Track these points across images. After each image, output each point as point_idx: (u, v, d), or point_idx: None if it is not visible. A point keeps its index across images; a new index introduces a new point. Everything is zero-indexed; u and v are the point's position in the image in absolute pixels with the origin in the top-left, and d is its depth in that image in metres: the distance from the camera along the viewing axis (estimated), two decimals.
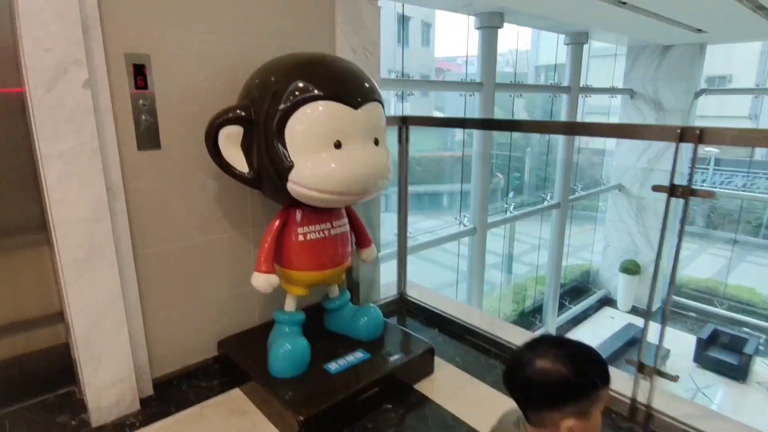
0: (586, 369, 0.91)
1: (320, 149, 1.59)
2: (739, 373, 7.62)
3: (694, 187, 1.52)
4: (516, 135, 9.94)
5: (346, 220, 1.95)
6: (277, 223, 1.82)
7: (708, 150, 14.53)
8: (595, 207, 11.74)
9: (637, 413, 1.77)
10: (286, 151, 1.59)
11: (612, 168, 10.42)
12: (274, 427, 1.74)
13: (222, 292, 2.11)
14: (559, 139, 8.53)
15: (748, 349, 7.83)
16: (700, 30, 6.74)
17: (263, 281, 1.77)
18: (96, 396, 1.75)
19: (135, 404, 1.85)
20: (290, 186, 1.62)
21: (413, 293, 2.78)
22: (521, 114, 9.70)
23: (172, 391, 1.95)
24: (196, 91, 1.84)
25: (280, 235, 1.83)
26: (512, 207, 8.08)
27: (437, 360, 2.13)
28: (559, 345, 0.94)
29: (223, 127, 1.65)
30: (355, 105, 1.61)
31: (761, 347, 8.45)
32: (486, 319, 2.46)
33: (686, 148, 1.52)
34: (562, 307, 9.74)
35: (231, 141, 1.68)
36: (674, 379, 1.69)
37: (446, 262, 8.06)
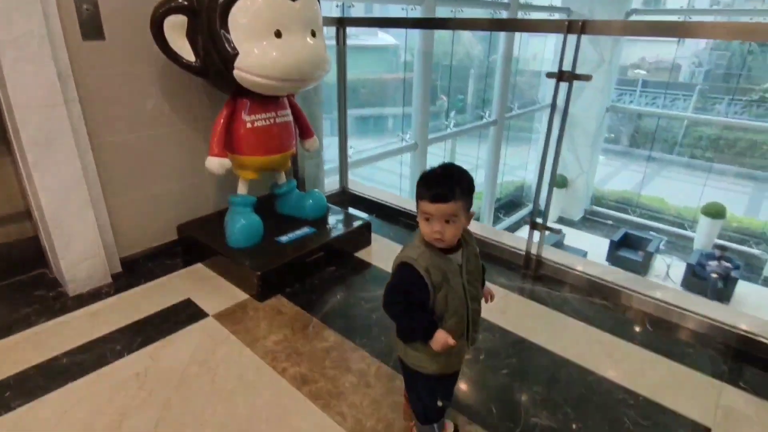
0: (420, 180, 1.09)
1: (262, 37, 1.76)
2: (641, 268, 8.84)
3: (576, 73, 1.86)
4: (460, 56, 10.06)
5: (289, 111, 2.17)
6: (225, 111, 2.01)
7: (637, 72, 15.40)
8: (530, 128, 12.39)
9: (530, 262, 2.24)
10: (230, 39, 1.75)
11: (548, 86, 10.92)
12: (236, 288, 2.05)
13: (177, 182, 2.31)
14: (497, 62, 8.80)
15: (651, 248, 9.04)
16: None
17: (216, 164, 1.99)
18: (71, 269, 1.97)
19: (107, 277, 2.09)
20: (236, 73, 1.80)
21: (354, 187, 3.09)
22: (465, 38, 9.76)
23: (139, 268, 2.20)
24: None
25: (230, 124, 2.02)
26: (452, 124, 8.45)
27: (375, 236, 2.50)
28: (439, 167, 1.11)
29: (167, 16, 1.76)
30: None
31: (662, 247, 9.76)
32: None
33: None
34: (497, 220, 10.58)
35: (176, 30, 1.81)
36: (557, 232, 2.14)
37: (391, 183, 8.40)
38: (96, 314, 1.89)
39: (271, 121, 2.08)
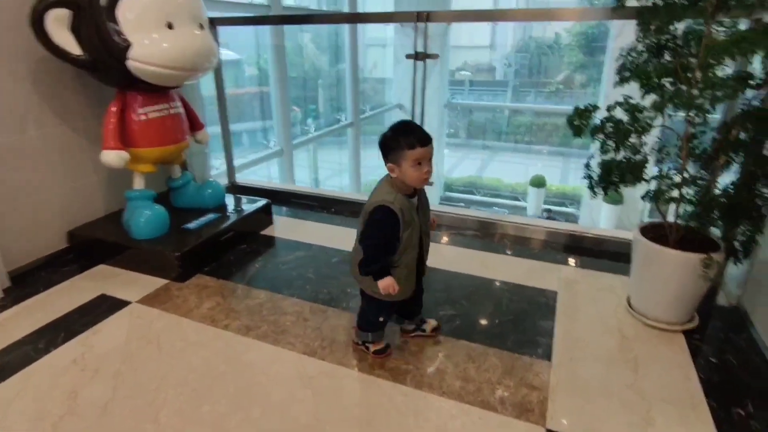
0: (397, 135, 1.29)
1: (154, 29, 1.88)
2: None
3: (428, 53, 2.34)
4: (307, 68, 10.45)
5: (180, 103, 2.27)
6: (115, 105, 2.04)
7: (463, 73, 17.62)
8: (383, 131, 13.38)
9: None
10: (121, 31, 1.83)
11: (392, 91, 11.96)
12: (152, 276, 2.09)
13: (62, 186, 2.22)
14: (347, 71, 9.44)
15: None
16: None
17: (114, 157, 2.01)
18: None
19: None
20: (131, 64, 1.88)
21: (242, 181, 3.23)
22: (309, 45, 10.19)
23: (32, 279, 2.08)
24: None
25: (122, 118, 2.06)
26: (313, 129, 8.81)
27: (274, 217, 2.70)
28: (400, 122, 1.34)
29: (48, 10, 1.77)
30: None
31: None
32: (305, 187, 3.12)
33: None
34: None
35: (59, 24, 1.82)
36: None
37: None
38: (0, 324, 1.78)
39: (165, 112, 2.17)
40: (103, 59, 1.90)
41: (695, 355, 1.59)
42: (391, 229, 1.33)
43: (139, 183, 2.24)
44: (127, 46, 1.85)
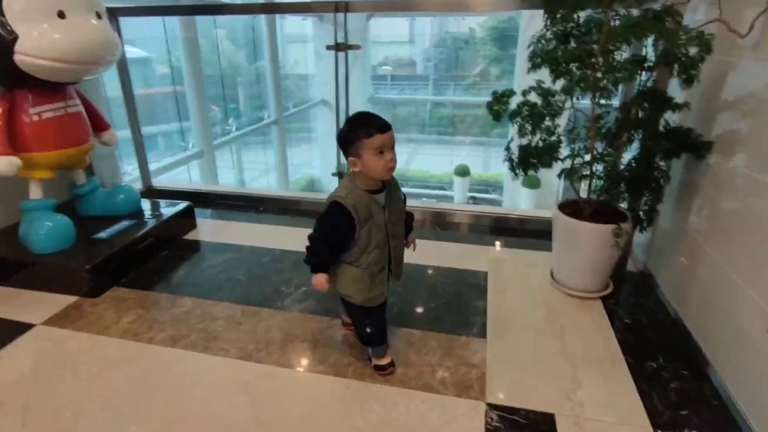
0: (353, 127, 1.21)
1: (44, 19, 1.68)
2: None
3: (349, 44, 2.32)
4: (225, 65, 10.00)
5: (79, 101, 2.06)
6: (1, 105, 1.81)
7: (385, 68, 17.80)
8: (308, 128, 13.18)
9: None
10: (5, 22, 1.62)
11: (316, 87, 11.80)
12: (58, 294, 1.88)
13: None
14: (267, 68, 9.16)
15: None
16: None
17: (5, 163, 1.78)
18: None
19: None
20: (18, 58, 1.67)
21: (160, 184, 3.02)
22: (225, 41, 9.74)
23: None
24: None
25: (11, 120, 1.83)
26: (235, 128, 8.45)
27: (198, 220, 2.55)
28: (355, 114, 1.25)
29: None
30: None
31: None
32: (230, 187, 2.96)
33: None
34: None
35: None
36: None
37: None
38: None
39: (62, 111, 1.95)
40: None
41: (612, 319, 1.73)
42: (339, 226, 1.24)
43: (36, 192, 2.00)
44: (13, 38, 1.64)
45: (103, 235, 2.09)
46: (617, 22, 1.57)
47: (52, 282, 1.90)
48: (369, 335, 1.43)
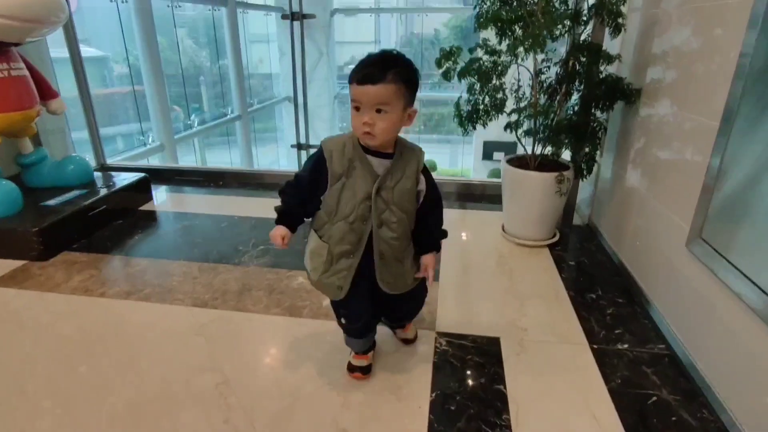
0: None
1: None
2: None
3: (304, 13, 2.35)
4: (185, 65, 9.83)
5: (23, 65, 2.01)
6: None
7: (349, 67, 17.87)
8: (273, 127, 13.07)
9: None
10: None
11: (280, 85, 11.73)
12: (6, 259, 1.83)
13: None
14: (230, 66, 9.07)
15: None
16: None
17: None
18: None
19: None
20: None
21: (114, 162, 2.96)
22: (184, 40, 9.56)
23: None
24: None
25: None
26: (196, 123, 8.31)
27: (154, 193, 2.52)
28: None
29: None
30: None
31: None
32: (189, 165, 2.93)
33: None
34: None
35: None
36: None
37: None
38: None
39: (5, 74, 1.90)
40: None
41: (558, 262, 1.82)
42: (312, 170, 1.01)
43: None
44: None
45: (51, 202, 2.05)
46: None
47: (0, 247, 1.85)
48: (345, 327, 1.18)
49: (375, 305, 1.15)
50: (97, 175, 2.41)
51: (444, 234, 1.15)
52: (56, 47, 2.61)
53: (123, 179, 2.37)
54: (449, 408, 1.13)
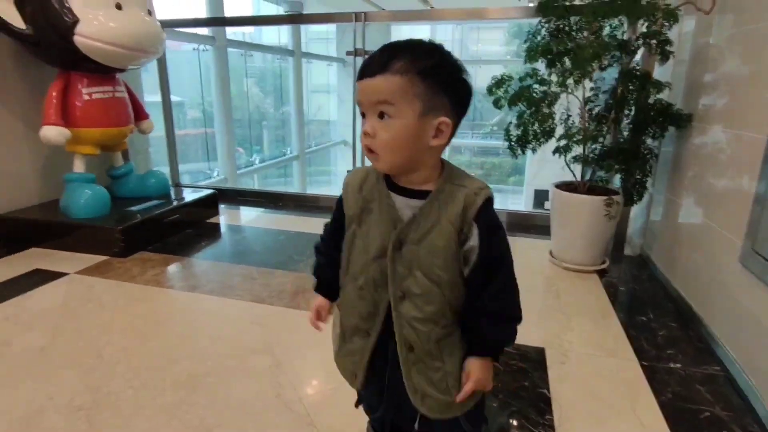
0: None
1: (103, 7, 1.96)
2: None
3: (366, 49, 2.58)
4: (251, 109, 10.68)
5: (124, 88, 2.32)
6: (58, 84, 2.07)
7: None
8: (328, 171, 13.69)
9: None
10: (69, 7, 1.90)
11: (337, 129, 12.36)
12: (90, 254, 2.05)
13: None
14: (292, 111, 9.77)
15: None
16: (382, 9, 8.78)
17: (55, 132, 2.02)
18: None
19: None
20: (78, 39, 1.94)
21: (186, 183, 3.24)
22: (252, 88, 10.45)
23: None
24: None
25: (65, 97, 2.08)
26: (257, 161, 8.89)
27: (221, 208, 2.74)
28: None
29: None
30: None
31: None
32: (251, 187, 3.17)
33: None
34: None
35: None
36: None
37: None
38: None
39: (110, 95, 2.21)
40: (47, 35, 1.94)
41: (607, 287, 1.80)
42: (334, 214, 0.78)
43: (79, 166, 2.23)
44: (74, 21, 1.92)
45: (133, 208, 2.28)
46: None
47: (87, 243, 2.07)
48: (370, 414, 0.87)
49: (407, 407, 0.73)
50: (173, 189, 2.66)
51: (508, 332, 0.75)
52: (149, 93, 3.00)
53: (194, 194, 2.61)
54: (491, 404, 1.14)
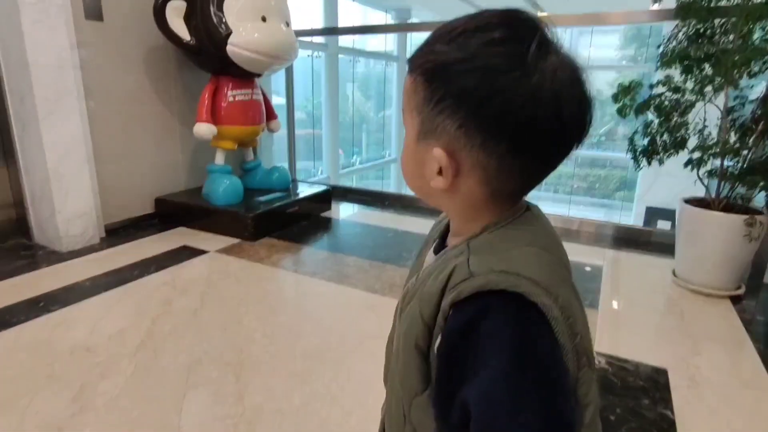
0: None
1: (252, 20, 2.22)
2: None
3: None
4: (351, 113, 11.21)
5: (260, 91, 2.60)
6: (210, 86, 2.38)
7: None
8: None
9: None
10: (225, 20, 2.19)
11: None
12: (226, 236, 2.32)
13: (154, 157, 2.55)
14: (393, 115, 10.04)
15: None
16: None
17: (205, 128, 2.32)
18: (66, 224, 2.09)
19: (97, 237, 2.23)
20: (230, 48, 2.22)
21: (300, 179, 3.52)
22: (356, 93, 10.94)
23: (124, 233, 2.35)
24: None
25: (214, 98, 2.39)
26: (358, 162, 9.28)
27: (332, 204, 2.94)
28: None
29: (169, 1, 2.15)
30: None
31: None
32: (360, 186, 3.37)
33: None
34: None
35: (176, 13, 2.19)
36: None
37: None
38: (100, 259, 2.04)
39: (249, 97, 2.49)
40: (206, 45, 2.25)
41: (741, 313, 1.64)
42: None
43: (220, 159, 2.53)
44: (228, 33, 2.20)
45: (261, 198, 2.54)
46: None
47: (223, 226, 2.36)
48: None
49: None
50: (292, 184, 2.91)
51: None
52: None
53: (311, 189, 2.83)
54: (608, 416, 1.12)
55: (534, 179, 0.46)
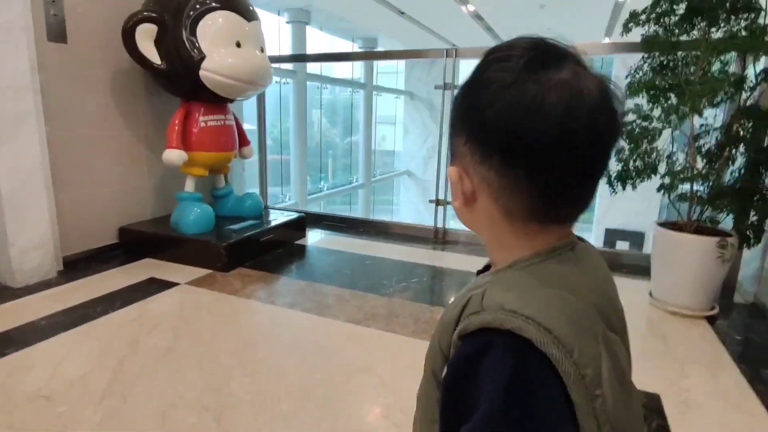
0: None
1: (226, 45, 2.18)
2: None
3: (456, 84, 2.65)
4: (319, 138, 11.24)
5: (233, 117, 2.54)
6: (180, 112, 2.30)
7: None
8: (390, 200, 13.91)
9: (438, 234, 2.84)
10: (198, 45, 2.14)
11: (401, 160, 12.59)
12: (197, 267, 2.21)
13: (119, 185, 2.42)
14: (360, 141, 10.13)
15: None
16: (453, 45, 9.01)
17: (176, 155, 2.23)
18: (19, 257, 1.93)
19: (53, 271, 2.07)
20: (203, 74, 2.16)
21: (273, 207, 3.43)
22: (323, 119, 11.00)
23: (83, 265, 2.20)
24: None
25: (185, 124, 2.31)
26: (326, 187, 9.22)
27: (307, 231, 2.87)
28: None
29: (139, 25, 2.08)
30: (249, 18, 2.26)
31: None
32: (334, 213, 3.30)
33: None
34: None
35: (146, 37, 2.12)
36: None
37: None
38: (58, 294, 1.89)
39: (221, 122, 2.42)
40: (177, 70, 2.18)
41: (720, 333, 1.68)
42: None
43: (190, 186, 2.43)
44: (202, 57, 2.14)
45: (234, 227, 2.45)
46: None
47: (194, 257, 2.24)
48: None
49: None
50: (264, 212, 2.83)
51: None
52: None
53: (285, 216, 2.75)
54: None
55: (551, 200, 0.43)
